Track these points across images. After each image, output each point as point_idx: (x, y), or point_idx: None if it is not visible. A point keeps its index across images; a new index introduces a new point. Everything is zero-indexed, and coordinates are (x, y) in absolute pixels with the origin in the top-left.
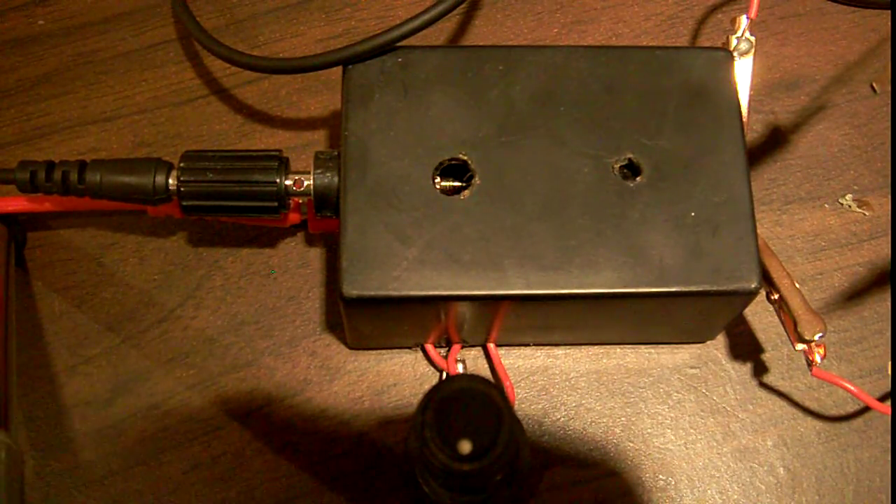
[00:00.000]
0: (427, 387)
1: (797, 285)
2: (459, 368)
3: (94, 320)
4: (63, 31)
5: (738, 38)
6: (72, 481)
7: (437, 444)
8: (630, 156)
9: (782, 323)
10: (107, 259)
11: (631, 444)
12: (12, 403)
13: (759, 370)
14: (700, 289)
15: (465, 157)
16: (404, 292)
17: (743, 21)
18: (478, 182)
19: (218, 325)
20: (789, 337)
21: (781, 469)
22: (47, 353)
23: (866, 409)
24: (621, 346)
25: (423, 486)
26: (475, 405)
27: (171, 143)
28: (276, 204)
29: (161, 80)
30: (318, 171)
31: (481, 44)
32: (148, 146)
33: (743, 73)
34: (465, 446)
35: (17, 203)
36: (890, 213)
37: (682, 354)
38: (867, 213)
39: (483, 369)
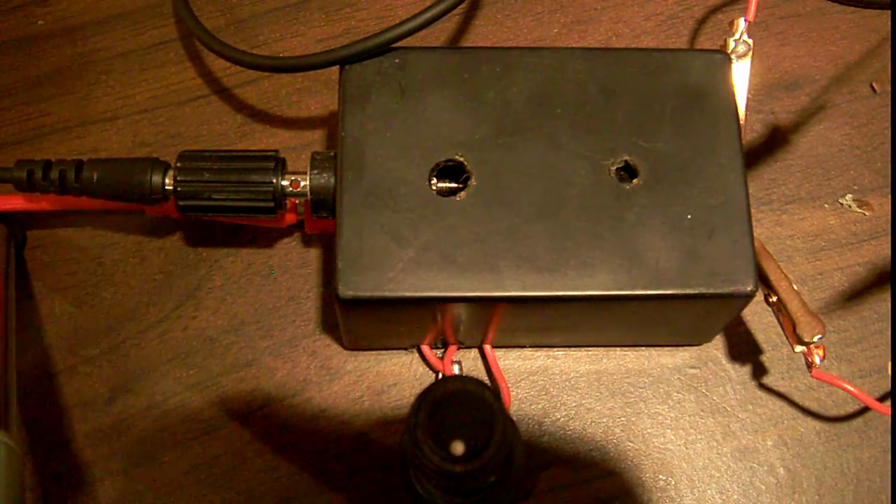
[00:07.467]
0: None
1: (795, 287)
2: (455, 370)
3: (94, 320)
4: (63, 31)
5: (735, 40)
6: (72, 481)
7: (429, 445)
8: (626, 158)
9: (781, 325)
10: (107, 259)
11: (631, 444)
12: (12, 403)
13: (759, 370)
14: (696, 292)
15: (462, 159)
16: (400, 293)
17: (740, 24)
18: (474, 184)
19: (218, 325)
20: (788, 339)
21: (781, 469)
22: (47, 353)
23: (866, 409)
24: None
25: (417, 487)
26: (468, 406)
27: (170, 143)
28: (272, 204)
29: (161, 80)
30: (315, 171)
31: (481, 44)
32: (148, 146)
33: (741, 75)
34: (458, 447)
35: (14, 202)
36: (890, 213)
37: (682, 354)
38: (867, 213)
39: (480, 371)
